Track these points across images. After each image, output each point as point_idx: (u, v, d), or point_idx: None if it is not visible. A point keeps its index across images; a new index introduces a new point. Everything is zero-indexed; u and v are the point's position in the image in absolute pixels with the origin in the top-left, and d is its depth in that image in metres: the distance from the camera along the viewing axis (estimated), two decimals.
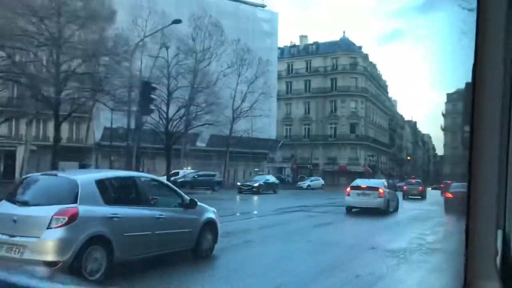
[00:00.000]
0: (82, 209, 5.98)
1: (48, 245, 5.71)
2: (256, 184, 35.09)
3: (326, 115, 70.06)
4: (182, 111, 35.47)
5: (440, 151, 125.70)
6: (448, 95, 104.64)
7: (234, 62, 45.57)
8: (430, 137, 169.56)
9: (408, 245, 10.06)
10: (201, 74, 41.64)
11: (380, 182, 21.18)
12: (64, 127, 44.01)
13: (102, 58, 21.11)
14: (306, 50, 73.60)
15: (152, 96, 11.81)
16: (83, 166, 32.36)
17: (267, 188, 35.78)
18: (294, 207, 19.65)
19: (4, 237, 5.85)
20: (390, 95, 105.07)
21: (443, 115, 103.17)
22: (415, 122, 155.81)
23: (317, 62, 71.33)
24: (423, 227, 14.74)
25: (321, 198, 29.19)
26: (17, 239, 5.70)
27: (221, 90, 44.41)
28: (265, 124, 54.57)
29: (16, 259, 5.23)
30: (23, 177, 8.81)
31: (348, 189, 19.52)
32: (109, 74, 20.28)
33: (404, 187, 39.41)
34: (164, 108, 35.43)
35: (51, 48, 20.70)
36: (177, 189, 8.44)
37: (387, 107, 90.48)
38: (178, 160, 47.44)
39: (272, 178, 39.30)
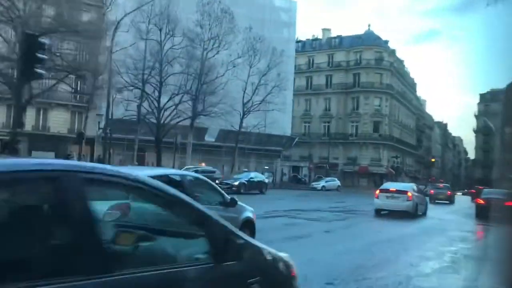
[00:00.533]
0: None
1: None
2: (236, 183, 30.04)
3: (347, 112, 66.20)
4: (177, 100, 32.47)
5: (472, 154, 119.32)
6: (481, 95, 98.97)
7: (245, 51, 42.45)
8: (461, 140, 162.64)
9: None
10: (208, 64, 38.83)
11: (409, 186, 21.28)
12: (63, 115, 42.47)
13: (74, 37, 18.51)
14: (329, 44, 69.86)
15: (39, 55, 8.90)
16: (66, 158, 29.97)
17: (251, 187, 31.11)
18: (279, 212, 16.42)
19: None
20: (418, 94, 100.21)
21: (475, 116, 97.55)
22: (446, 124, 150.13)
23: (339, 56, 67.53)
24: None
25: (326, 201, 25.85)
26: None
27: (229, 82, 41.54)
28: (279, 119, 51.30)
29: None
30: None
31: (378, 192, 19.99)
32: (79, 53, 17.69)
33: (431, 191, 37.77)
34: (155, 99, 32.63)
35: (16, 24, 18.18)
36: (218, 187, 8.30)
37: (415, 106, 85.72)
38: (183, 156, 44.86)
39: (258, 176, 34.19)
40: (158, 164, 36.91)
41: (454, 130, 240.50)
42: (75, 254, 1.91)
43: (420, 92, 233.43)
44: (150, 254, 2.43)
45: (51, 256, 1.91)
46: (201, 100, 38.50)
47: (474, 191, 42.52)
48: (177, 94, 31.90)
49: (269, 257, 2.91)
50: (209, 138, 47.33)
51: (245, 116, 44.54)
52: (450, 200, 35.26)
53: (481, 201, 20.73)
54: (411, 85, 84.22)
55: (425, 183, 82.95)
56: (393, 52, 73.21)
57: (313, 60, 69.64)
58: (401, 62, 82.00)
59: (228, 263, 2.54)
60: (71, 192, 1.99)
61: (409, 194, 19.12)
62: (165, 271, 2.26)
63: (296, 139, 56.00)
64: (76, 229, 1.96)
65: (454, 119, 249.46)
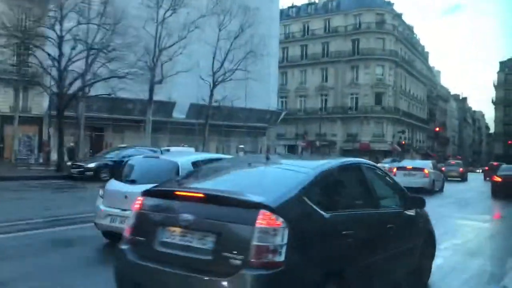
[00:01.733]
0: None
1: None
2: (92, 165, 20.44)
3: (346, 83, 59.29)
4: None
5: (492, 128, 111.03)
6: (501, 64, 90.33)
7: (209, 10, 35.99)
8: (483, 115, 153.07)
9: None
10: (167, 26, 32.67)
11: (426, 163, 22.21)
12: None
13: None
14: (325, 8, 62.66)
15: None
16: None
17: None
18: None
19: (117, 210, 6.70)
20: (432, 65, 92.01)
21: (494, 86, 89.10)
22: (465, 98, 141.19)
23: (337, 21, 60.35)
24: None
25: None
26: (128, 212, 5.64)
27: (195, 48, 35.44)
28: (261, 92, 44.98)
29: None
30: (127, 159, 8.72)
31: (395, 169, 20.77)
32: None
33: (443, 168, 35.12)
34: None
35: None
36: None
37: (426, 77, 77.97)
38: (156, 135, 39.10)
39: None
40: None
41: (474, 104, 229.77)
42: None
43: (434, 63, 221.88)
44: (384, 203, 4.75)
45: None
46: (159, 68, 32.62)
47: (487, 168, 35.77)
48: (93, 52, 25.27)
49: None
50: (179, 115, 41.35)
51: (215, 86, 38.33)
52: (462, 177, 34.10)
53: (498, 179, 19.42)
54: (421, 54, 76.39)
55: (437, 161, 75.95)
56: (398, 16, 65.62)
57: (308, 27, 62.62)
58: (409, 28, 74.26)
59: (408, 210, 5.02)
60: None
61: (426, 171, 20.06)
62: (389, 210, 4.83)
63: (283, 114, 49.56)
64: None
65: (474, 93, 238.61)
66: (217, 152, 44.09)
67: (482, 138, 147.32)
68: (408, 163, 22.59)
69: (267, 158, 4.51)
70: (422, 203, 5.18)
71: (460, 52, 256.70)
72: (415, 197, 5.22)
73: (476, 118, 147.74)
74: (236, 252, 3.14)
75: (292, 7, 66.04)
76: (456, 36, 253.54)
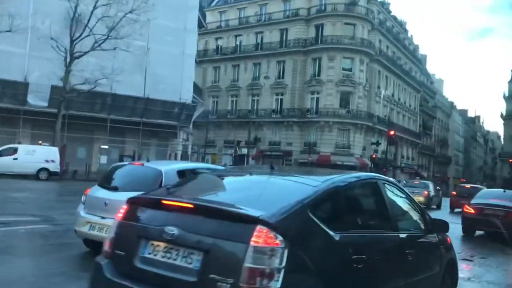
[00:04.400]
0: None
1: None
2: None
3: (306, 79, 47.20)
4: None
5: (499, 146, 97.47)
6: None
7: None
8: (499, 136, 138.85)
9: None
10: None
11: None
12: None
13: None
14: None
15: None
16: None
17: None
18: None
19: (96, 218, 6.49)
20: (431, 72, 79.23)
21: (504, 98, 75.71)
22: (478, 117, 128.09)
23: (298, 2, 48.55)
24: None
25: None
26: (107, 220, 6.00)
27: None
28: (170, 78, 33.37)
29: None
30: (113, 165, 8.71)
31: None
32: None
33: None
34: None
35: None
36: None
37: (420, 83, 65.16)
38: (4, 128, 28.10)
39: None
40: None
41: (490, 126, 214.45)
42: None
43: (435, 71, 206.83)
44: (402, 226, 4.18)
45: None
46: None
47: (454, 193, 23.35)
48: None
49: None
50: (39, 102, 29.78)
51: (75, 60, 26.82)
52: (429, 204, 24.74)
53: (470, 210, 13.28)
54: (413, 54, 63.72)
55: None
56: (382, 3, 53.76)
57: (265, 10, 51.00)
58: (400, 24, 62.17)
59: (430, 234, 4.53)
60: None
61: None
62: (408, 234, 4.19)
63: (202, 109, 37.63)
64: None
65: (491, 113, 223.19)
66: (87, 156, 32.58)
67: (497, 160, 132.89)
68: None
69: (272, 168, 3.94)
70: (445, 228, 4.75)
71: (476, 70, 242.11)
72: (438, 220, 4.72)
73: (490, 138, 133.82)
74: (225, 274, 2.69)
75: None
76: (478, 59, 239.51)
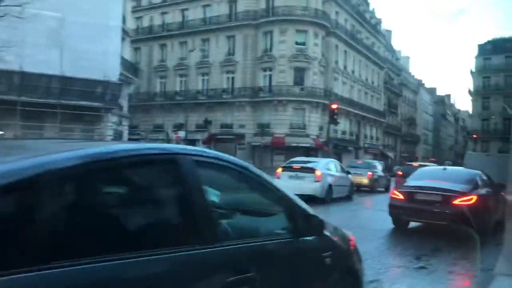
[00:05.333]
0: None
1: None
2: None
3: (258, 55, 43.57)
4: None
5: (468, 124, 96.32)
6: (480, 47, 74.91)
7: None
8: (471, 116, 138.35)
9: None
10: None
11: (323, 162, 16.42)
12: None
13: None
14: None
15: None
16: None
17: None
18: None
19: None
20: (398, 48, 76.51)
21: (471, 73, 73.66)
22: (448, 95, 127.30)
23: None
24: None
25: None
26: None
27: None
28: (92, 53, 29.27)
29: None
30: None
31: (279, 170, 15.74)
32: None
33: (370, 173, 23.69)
34: None
35: None
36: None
37: (382, 58, 62.18)
38: None
39: None
40: None
41: (460, 105, 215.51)
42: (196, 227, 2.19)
43: (402, 48, 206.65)
44: (241, 229, 2.66)
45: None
46: None
47: (400, 173, 20.21)
48: None
49: (334, 232, 3.23)
50: None
51: None
52: (373, 187, 22.21)
53: (398, 195, 10.09)
54: (373, 27, 60.52)
55: (392, 162, 60.41)
56: None
57: None
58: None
59: (305, 238, 2.83)
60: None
61: (318, 173, 14.82)
62: (252, 243, 2.51)
63: (132, 87, 33.72)
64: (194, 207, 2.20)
65: (461, 92, 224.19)
66: None
67: (467, 139, 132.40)
68: (298, 161, 17.08)
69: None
70: (315, 228, 2.96)
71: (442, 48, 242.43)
72: (313, 217, 2.95)
73: (461, 117, 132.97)
74: None
75: None
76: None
